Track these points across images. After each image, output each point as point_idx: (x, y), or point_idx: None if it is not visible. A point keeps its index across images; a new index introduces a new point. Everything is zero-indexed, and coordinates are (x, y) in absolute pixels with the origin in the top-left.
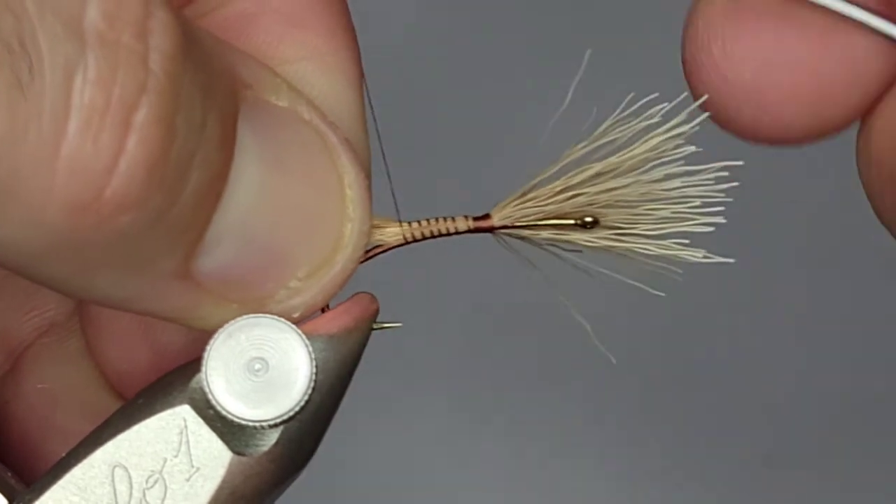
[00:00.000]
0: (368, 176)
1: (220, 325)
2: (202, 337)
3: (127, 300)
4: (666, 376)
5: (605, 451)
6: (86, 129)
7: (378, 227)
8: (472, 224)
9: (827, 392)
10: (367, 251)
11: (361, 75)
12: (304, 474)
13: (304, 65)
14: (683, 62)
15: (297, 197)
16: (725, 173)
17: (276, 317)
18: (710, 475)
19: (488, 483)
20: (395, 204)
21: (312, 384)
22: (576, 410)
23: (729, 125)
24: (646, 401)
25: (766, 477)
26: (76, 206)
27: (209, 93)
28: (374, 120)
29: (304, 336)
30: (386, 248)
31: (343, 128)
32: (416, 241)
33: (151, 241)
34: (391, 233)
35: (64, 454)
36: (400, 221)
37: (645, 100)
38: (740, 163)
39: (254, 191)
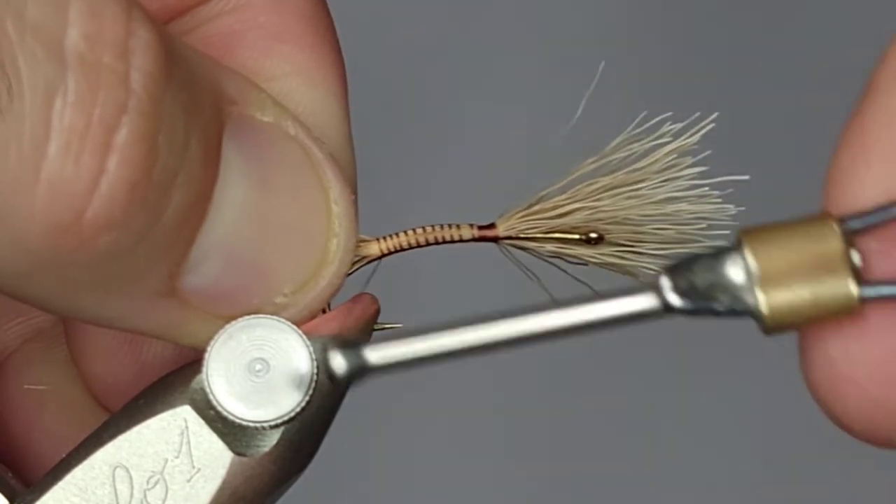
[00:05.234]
0: (354, 191)
1: (208, 341)
2: (188, 351)
3: (112, 318)
4: (665, 378)
5: (604, 452)
6: (66, 151)
7: (365, 241)
8: (476, 233)
9: None
10: (357, 260)
11: (346, 90)
12: (305, 475)
13: (288, 80)
14: (810, 383)
15: (283, 213)
16: (730, 204)
17: (277, 318)
18: (710, 475)
19: (487, 485)
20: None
21: (313, 385)
22: (574, 414)
23: (861, 436)
24: (644, 402)
25: (766, 477)
26: (57, 228)
27: (192, 110)
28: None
29: (304, 337)
30: (377, 255)
31: (329, 143)
32: (419, 246)
33: (135, 260)
34: (384, 247)
35: (51, 456)
36: (383, 237)
37: (657, 119)
38: (746, 177)
39: (239, 208)
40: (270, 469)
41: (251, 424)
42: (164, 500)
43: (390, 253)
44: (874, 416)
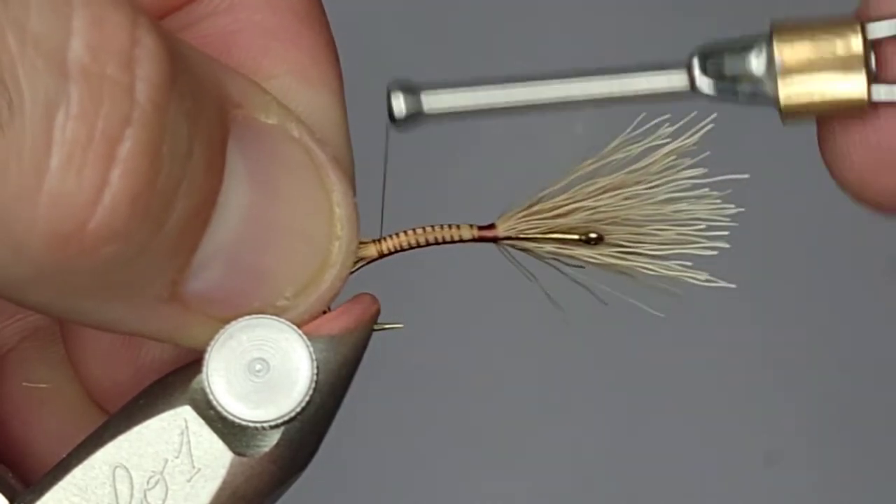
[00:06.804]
0: (354, 192)
1: (208, 343)
2: (187, 354)
3: (114, 322)
4: (665, 376)
5: (604, 454)
6: (68, 164)
7: (365, 241)
8: (476, 233)
9: (827, 392)
10: (357, 261)
11: (343, 88)
12: (305, 475)
13: (287, 79)
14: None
15: (286, 217)
16: (730, 205)
17: (277, 318)
18: (710, 475)
19: (486, 485)
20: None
21: (313, 385)
22: (573, 412)
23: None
24: (644, 402)
25: (765, 477)
26: (59, 238)
27: (197, 118)
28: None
29: (304, 337)
30: (377, 256)
31: (327, 142)
32: (419, 246)
33: (137, 268)
34: (384, 247)
35: (51, 455)
36: (382, 237)
37: (656, 120)
38: (746, 175)
39: (243, 213)
40: (271, 469)
41: (251, 424)
42: (164, 500)
43: (390, 253)
44: (867, 190)
